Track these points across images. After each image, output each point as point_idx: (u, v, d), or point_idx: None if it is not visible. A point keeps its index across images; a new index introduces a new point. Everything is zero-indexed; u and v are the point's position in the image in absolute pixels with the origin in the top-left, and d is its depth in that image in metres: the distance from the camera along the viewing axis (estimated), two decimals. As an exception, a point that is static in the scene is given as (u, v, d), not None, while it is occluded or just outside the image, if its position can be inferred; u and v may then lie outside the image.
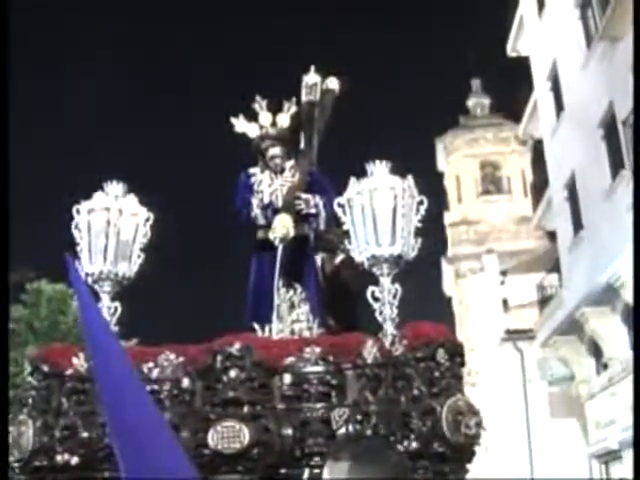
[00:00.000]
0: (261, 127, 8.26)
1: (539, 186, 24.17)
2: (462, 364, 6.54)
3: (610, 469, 19.80)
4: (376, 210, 7.05)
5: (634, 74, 14.20)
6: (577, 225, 19.48)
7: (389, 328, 6.72)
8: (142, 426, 1.85)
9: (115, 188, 7.48)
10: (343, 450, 2.22)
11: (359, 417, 6.17)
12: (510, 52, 25.77)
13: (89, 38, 77.84)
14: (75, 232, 7.38)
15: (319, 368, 6.41)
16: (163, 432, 1.91)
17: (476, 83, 43.73)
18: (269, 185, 8.12)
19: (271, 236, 7.64)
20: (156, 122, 79.08)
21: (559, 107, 20.97)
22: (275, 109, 8.30)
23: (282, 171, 8.19)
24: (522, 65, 24.54)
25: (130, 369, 2.05)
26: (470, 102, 43.41)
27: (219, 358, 6.37)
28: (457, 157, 40.19)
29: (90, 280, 7.27)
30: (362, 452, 2.21)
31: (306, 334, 7.33)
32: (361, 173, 7.23)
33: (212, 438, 6.03)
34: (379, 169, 7.23)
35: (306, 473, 5.59)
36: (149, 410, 1.93)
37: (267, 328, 7.35)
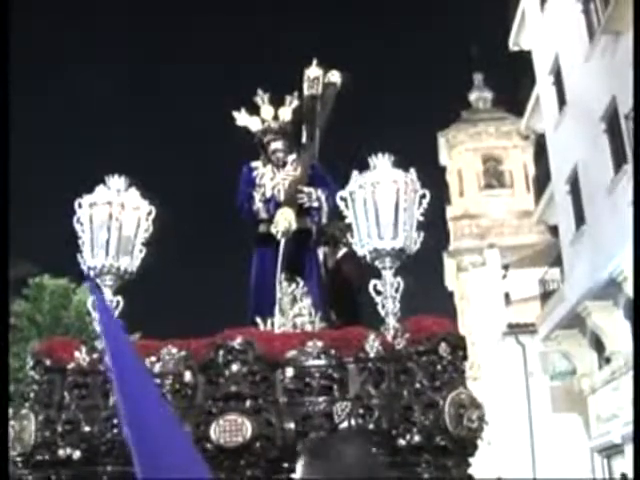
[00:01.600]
0: (263, 121, 8.24)
1: (541, 180, 24.13)
2: (464, 358, 6.52)
3: (612, 463, 19.81)
4: (378, 203, 7.04)
5: (634, 69, 14.16)
6: (579, 219, 19.45)
7: (391, 322, 6.72)
8: (156, 424, 1.84)
9: (117, 182, 7.47)
10: (303, 447, 2.17)
11: (361, 411, 6.17)
12: (512, 46, 25.70)
13: (89, 37, 77.91)
14: (77, 226, 7.37)
15: (321, 362, 6.41)
16: (176, 430, 1.91)
17: (478, 77, 43.70)
18: (271, 179, 8.10)
19: (273, 230, 7.63)
20: (157, 120, 79.12)
21: (561, 101, 20.93)
22: (277, 103, 8.28)
23: (284, 165, 8.18)
24: (524, 59, 24.48)
25: (145, 373, 2.05)
26: (472, 96, 43.38)
27: (221, 352, 6.36)
28: (459, 151, 40.18)
29: (92, 274, 7.28)
30: (317, 448, 2.16)
31: (308, 328, 7.32)
32: (364, 166, 7.22)
33: (214, 432, 6.03)
34: (381, 162, 7.22)
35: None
36: (162, 409, 1.92)
37: (269, 322, 7.35)
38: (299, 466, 2.12)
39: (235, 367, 6.30)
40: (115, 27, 77.16)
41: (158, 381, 6.40)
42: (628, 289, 15.82)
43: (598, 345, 19.93)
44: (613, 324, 18.18)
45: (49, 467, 6.40)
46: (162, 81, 79.70)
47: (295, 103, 8.30)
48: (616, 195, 16.43)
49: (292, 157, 8.24)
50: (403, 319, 6.72)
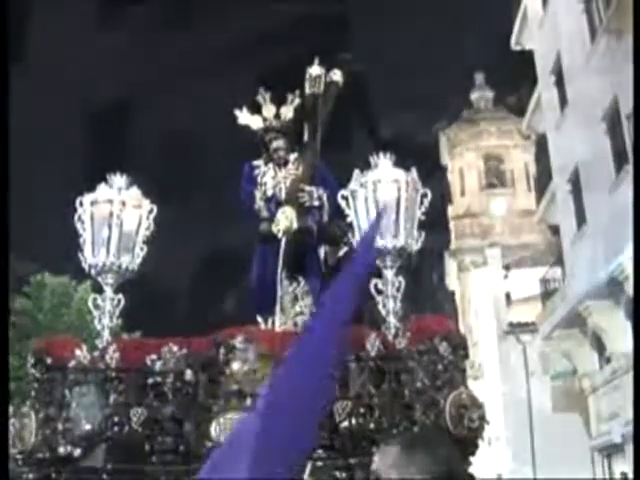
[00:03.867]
0: (265, 119, 8.22)
1: (542, 180, 24.11)
2: (465, 357, 6.52)
3: (612, 462, 19.80)
4: (380, 202, 7.04)
5: (634, 69, 14.15)
6: (580, 219, 19.44)
7: (392, 321, 6.71)
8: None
9: (118, 180, 7.47)
10: (394, 437, 2.22)
11: (362, 410, 6.16)
12: (514, 46, 25.68)
13: (89, 36, 77.96)
14: (78, 224, 7.37)
15: (322, 361, 6.39)
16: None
17: (480, 77, 43.73)
18: (272, 177, 8.08)
19: (274, 229, 7.61)
20: (158, 120, 79.12)
21: (563, 101, 20.91)
22: (279, 101, 8.27)
23: (286, 163, 8.16)
24: (526, 59, 24.48)
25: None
26: (474, 96, 43.41)
27: (222, 350, 6.36)
28: (461, 150, 40.20)
29: (93, 272, 7.28)
30: (412, 440, 2.22)
31: (309, 327, 7.30)
32: (365, 165, 7.22)
33: (215, 430, 6.02)
34: (383, 161, 7.21)
35: (308, 466, 5.58)
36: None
37: (270, 320, 7.35)
38: (384, 457, 2.15)
39: (236, 365, 6.30)
40: (114, 25, 77.16)
41: (159, 379, 6.42)
42: (629, 289, 15.81)
43: (599, 345, 19.91)
44: (614, 324, 18.14)
45: (49, 465, 6.40)
46: (161, 80, 79.59)
47: (297, 102, 8.28)
48: (617, 195, 16.41)
49: (293, 156, 8.22)
50: (404, 318, 6.72)
